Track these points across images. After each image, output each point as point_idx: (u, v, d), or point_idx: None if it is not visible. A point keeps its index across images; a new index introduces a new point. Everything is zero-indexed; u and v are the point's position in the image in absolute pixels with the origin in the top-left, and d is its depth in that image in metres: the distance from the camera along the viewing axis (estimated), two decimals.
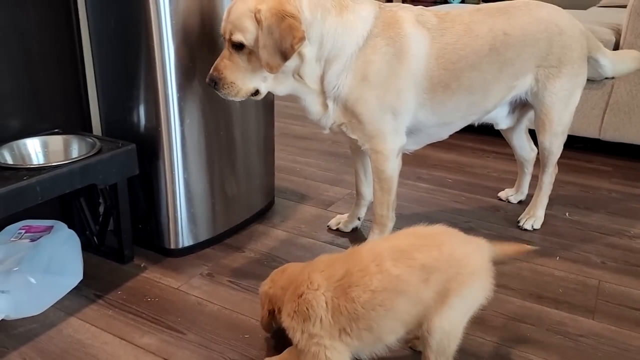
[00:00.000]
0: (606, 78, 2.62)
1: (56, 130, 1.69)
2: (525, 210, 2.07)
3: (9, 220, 1.59)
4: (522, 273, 1.73)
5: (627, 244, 1.92)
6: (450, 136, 1.84)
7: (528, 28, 1.70)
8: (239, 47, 1.43)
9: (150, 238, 1.81)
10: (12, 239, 1.53)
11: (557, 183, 2.42)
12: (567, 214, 2.15)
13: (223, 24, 1.45)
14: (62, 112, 1.74)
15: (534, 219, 2.02)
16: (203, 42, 1.64)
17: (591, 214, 2.16)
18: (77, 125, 1.77)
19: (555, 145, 1.90)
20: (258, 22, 1.38)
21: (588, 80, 2.64)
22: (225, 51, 1.46)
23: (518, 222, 2.04)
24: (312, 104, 1.60)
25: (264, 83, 1.52)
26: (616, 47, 2.61)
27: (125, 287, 1.63)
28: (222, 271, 1.72)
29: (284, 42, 1.38)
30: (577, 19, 1.84)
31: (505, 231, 2.00)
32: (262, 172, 2.04)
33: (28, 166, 1.44)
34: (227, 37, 1.44)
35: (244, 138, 1.89)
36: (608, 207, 2.23)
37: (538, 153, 2.03)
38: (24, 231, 1.56)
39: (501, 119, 1.95)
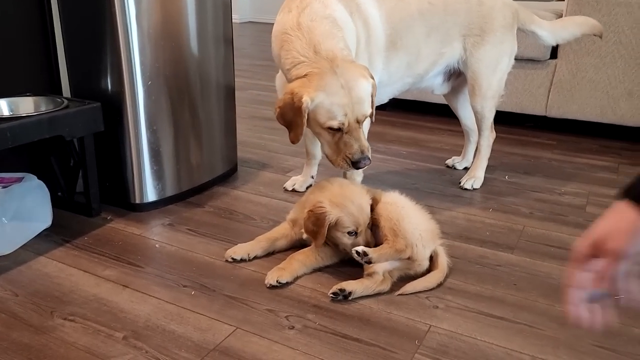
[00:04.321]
0: (551, 58, 2.83)
1: (27, 93, 1.84)
2: (467, 172, 2.25)
3: None
4: (455, 221, 1.90)
5: (556, 199, 2.11)
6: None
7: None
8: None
9: (117, 195, 1.96)
10: None
11: (502, 153, 2.63)
12: (506, 177, 2.34)
13: (348, 115, 1.53)
14: (33, 78, 1.89)
15: (473, 179, 2.20)
16: (163, 9, 1.80)
17: (529, 177, 2.34)
18: (48, 89, 1.92)
19: (486, 108, 2.08)
20: (373, 88, 1.60)
21: (533, 60, 2.86)
22: (358, 130, 1.57)
23: (459, 182, 2.22)
24: None
25: None
26: None
27: (92, 234, 1.78)
28: (182, 222, 1.88)
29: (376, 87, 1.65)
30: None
31: (448, 190, 2.18)
32: (223, 145, 2.20)
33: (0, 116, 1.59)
34: (359, 118, 1.56)
35: (206, 114, 2.06)
36: (545, 171, 2.42)
37: None
38: None
39: (437, 86, 2.16)
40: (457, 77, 2.15)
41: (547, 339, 1.28)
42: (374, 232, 1.55)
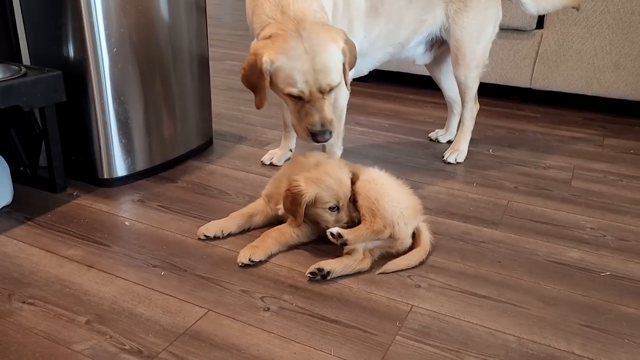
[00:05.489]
0: (537, 28, 2.75)
1: None
2: (450, 146, 2.19)
3: None
4: (438, 196, 1.84)
5: (540, 172, 2.06)
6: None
7: None
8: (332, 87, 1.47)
9: (84, 169, 1.86)
10: None
11: (486, 126, 2.57)
12: (490, 150, 2.28)
13: (310, 83, 1.41)
14: None
15: (457, 152, 2.13)
16: None
17: (513, 151, 2.29)
18: (7, 57, 1.79)
19: (470, 79, 2.01)
20: (344, 55, 1.46)
21: (518, 30, 2.78)
22: (321, 101, 1.45)
23: (443, 156, 2.15)
24: None
25: None
26: None
27: (56, 212, 1.67)
28: (153, 198, 1.78)
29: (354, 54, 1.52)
30: None
31: (431, 165, 2.11)
32: (198, 117, 2.09)
33: None
34: (323, 88, 1.43)
35: (179, 84, 1.95)
36: (530, 145, 2.36)
37: None
38: None
39: (418, 56, 2.07)
40: (439, 46, 2.07)
41: (533, 319, 1.23)
42: (356, 208, 1.48)
